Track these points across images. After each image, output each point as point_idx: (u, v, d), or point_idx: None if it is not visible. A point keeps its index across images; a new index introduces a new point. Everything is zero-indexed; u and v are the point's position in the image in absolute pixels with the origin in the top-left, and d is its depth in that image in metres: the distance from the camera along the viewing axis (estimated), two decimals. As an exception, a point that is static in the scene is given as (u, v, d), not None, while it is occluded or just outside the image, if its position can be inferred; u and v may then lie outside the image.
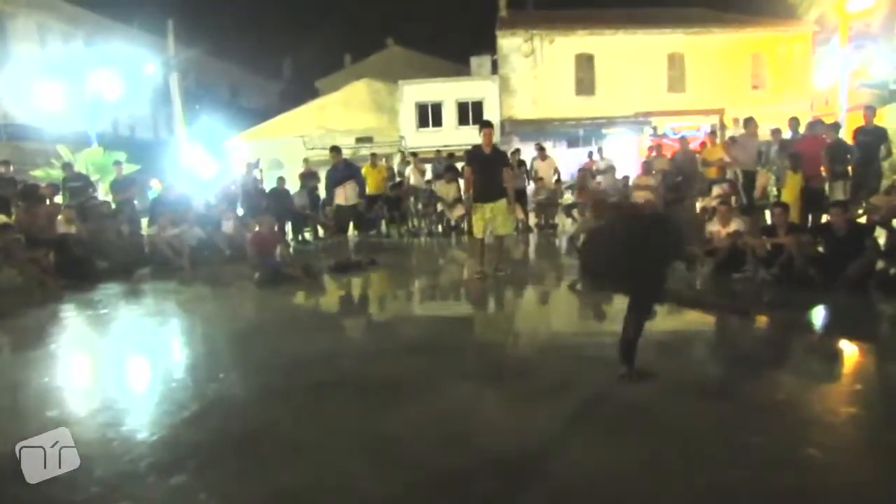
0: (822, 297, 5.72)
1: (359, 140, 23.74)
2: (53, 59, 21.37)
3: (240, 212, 11.59)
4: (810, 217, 8.30)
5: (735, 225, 6.90)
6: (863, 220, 6.89)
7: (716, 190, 8.75)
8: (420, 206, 13.08)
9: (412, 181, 13.44)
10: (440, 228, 12.57)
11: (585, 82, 24.45)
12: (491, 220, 7.08)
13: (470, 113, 23.90)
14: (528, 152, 13.98)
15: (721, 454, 2.73)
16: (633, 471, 2.60)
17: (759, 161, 9.78)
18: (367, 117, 25.35)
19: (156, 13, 21.97)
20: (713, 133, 16.77)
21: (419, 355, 4.41)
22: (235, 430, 3.15)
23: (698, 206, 8.45)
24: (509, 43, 24.41)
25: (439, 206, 12.50)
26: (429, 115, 24.82)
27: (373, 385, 3.79)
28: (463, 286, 7.28)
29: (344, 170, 9.19)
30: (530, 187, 13.02)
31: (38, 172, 14.54)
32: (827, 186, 8.64)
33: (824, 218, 7.49)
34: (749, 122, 10.35)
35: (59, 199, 10.47)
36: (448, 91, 24.85)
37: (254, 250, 7.88)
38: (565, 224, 12.51)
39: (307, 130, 24.01)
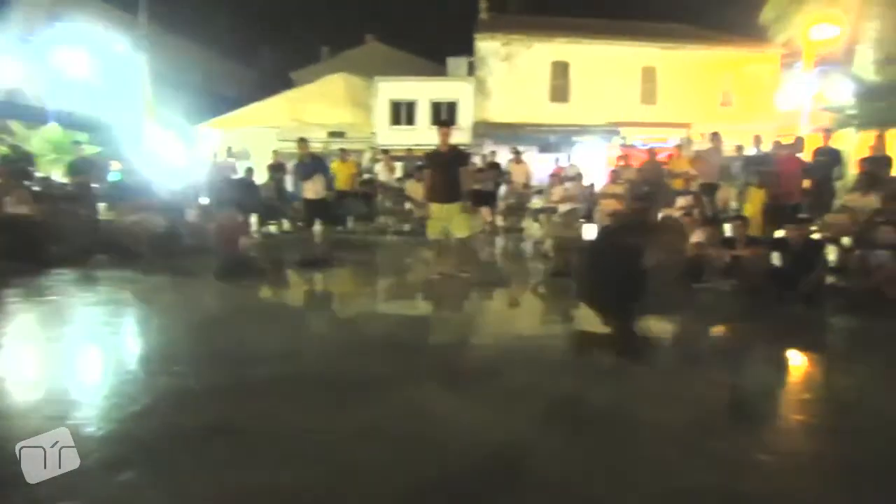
0: (777, 309, 5.95)
1: (331, 134, 23.51)
2: (12, 32, 20.59)
3: (205, 201, 11.33)
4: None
5: (697, 236, 7.04)
6: (817, 236, 7.15)
7: (680, 201, 8.92)
8: (389, 203, 13.01)
9: (382, 178, 13.36)
10: (408, 227, 12.53)
11: (560, 89, 24.70)
12: (448, 221, 6.98)
13: (444, 113, 23.91)
14: (501, 155, 14.05)
15: (680, 459, 2.79)
16: (596, 474, 2.64)
17: (723, 175, 10.03)
18: (342, 112, 25.14)
19: (127, -11, 21.31)
20: (680, 146, 17.12)
21: (379, 354, 4.38)
22: (188, 425, 3.08)
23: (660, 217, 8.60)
24: (487, 46, 24.51)
25: (408, 205, 12.45)
26: (402, 112, 24.76)
27: (332, 383, 3.74)
28: (426, 286, 7.25)
29: (311, 163, 9.07)
30: (502, 190, 13.07)
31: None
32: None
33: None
34: (714, 137, 10.66)
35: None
36: (423, 90, 24.84)
37: (217, 241, 7.72)
38: (532, 228, 12.60)
39: (280, 121, 23.68)
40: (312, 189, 8.87)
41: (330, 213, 9.96)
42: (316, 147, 13.03)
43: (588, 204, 10.88)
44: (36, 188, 9.84)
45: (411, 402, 3.45)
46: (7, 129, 14.97)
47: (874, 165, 8.59)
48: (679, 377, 4.09)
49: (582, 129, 23.41)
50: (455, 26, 33.23)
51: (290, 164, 11.89)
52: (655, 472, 2.69)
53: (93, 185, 10.57)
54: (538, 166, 15.82)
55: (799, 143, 9.66)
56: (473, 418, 3.26)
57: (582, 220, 10.21)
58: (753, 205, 8.58)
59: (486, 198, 11.53)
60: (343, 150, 13.74)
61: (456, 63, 26.07)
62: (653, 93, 24.67)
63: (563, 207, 10.43)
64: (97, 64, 17.77)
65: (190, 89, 27.94)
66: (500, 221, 12.76)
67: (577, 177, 12.83)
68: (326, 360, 4.30)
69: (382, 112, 24.82)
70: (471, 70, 25.22)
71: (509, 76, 24.43)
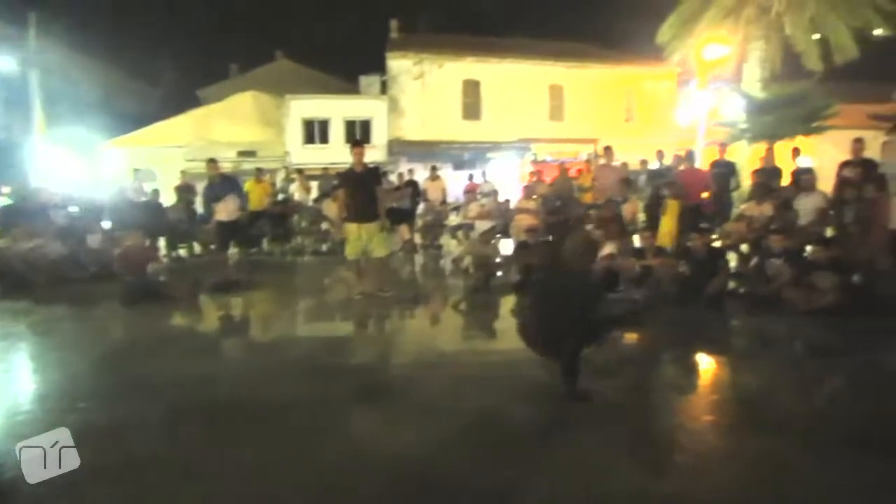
0: (684, 314, 6.30)
1: (242, 153, 22.88)
2: None
3: (107, 225, 10.73)
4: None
5: (609, 248, 7.38)
6: (718, 244, 7.67)
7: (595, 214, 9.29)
8: (306, 223, 12.81)
9: (298, 198, 13.15)
10: (325, 248, 12.37)
11: (472, 107, 25.29)
12: (367, 241, 7.06)
13: (358, 131, 23.90)
14: (417, 174, 14.18)
15: (599, 463, 2.93)
16: (517, 486, 2.72)
17: (630, 188, 10.53)
18: (252, 130, 24.55)
19: (15, 3, 19.98)
20: (589, 161, 17.90)
21: (300, 377, 4.32)
22: (97, 462, 2.90)
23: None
24: (399, 64, 24.76)
25: (325, 225, 12.30)
26: (315, 131, 24.52)
27: (251, 409, 3.66)
28: (346, 307, 7.19)
29: (222, 184, 8.82)
30: (420, 207, 13.17)
31: None
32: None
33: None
34: (606, 151, 11.20)
35: None
36: (336, 108, 24.72)
37: (122, 267, 7.35)
38: (450, 245, 12.75)
39: (187, 140, 22.79)
40: (225, 210, 8.62)
41: (244, 234, 9.70)
42: (226, 167, 12.66)
43: (504, 220, 11.15)
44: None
45: (334, 424, 3.43)
46: None
47: (766, 176, 9.35)
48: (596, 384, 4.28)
49: (494, 146, 24.06)
50: (366, 45, 33.41)
51: (199, 185, 11.48)
52: (574, 479, 2.81)
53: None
54: (453, 183, 16.08)
55: (690, 156, 10.34)
56: (395, 438, 3.28)
57: (499, 235, 10.44)
58: (671, 216, 8.99)
59: (403, 215, 11.59)
60: (259, 170, 13.40)
61: (368, 81, 26.13)
62: (560, 109, 25.75)
63: (480, 225, 10.63)
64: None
65: (89, 107, 26.44)
66: (418, 239, 12.84)
67: (493, 193, 13.15)
68: (244, 386, 4.19)
69: (295, 130, 24.47)
70: (384, 88, 25.36)
71: (422, 94, 24.76)
